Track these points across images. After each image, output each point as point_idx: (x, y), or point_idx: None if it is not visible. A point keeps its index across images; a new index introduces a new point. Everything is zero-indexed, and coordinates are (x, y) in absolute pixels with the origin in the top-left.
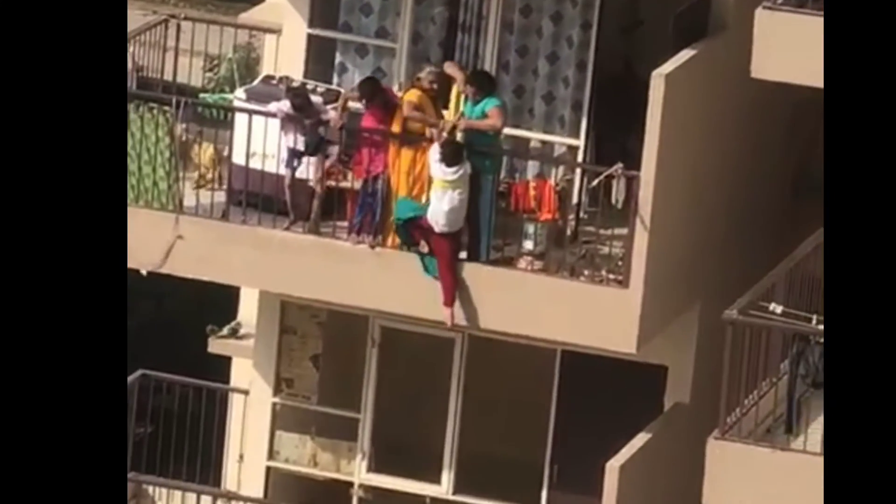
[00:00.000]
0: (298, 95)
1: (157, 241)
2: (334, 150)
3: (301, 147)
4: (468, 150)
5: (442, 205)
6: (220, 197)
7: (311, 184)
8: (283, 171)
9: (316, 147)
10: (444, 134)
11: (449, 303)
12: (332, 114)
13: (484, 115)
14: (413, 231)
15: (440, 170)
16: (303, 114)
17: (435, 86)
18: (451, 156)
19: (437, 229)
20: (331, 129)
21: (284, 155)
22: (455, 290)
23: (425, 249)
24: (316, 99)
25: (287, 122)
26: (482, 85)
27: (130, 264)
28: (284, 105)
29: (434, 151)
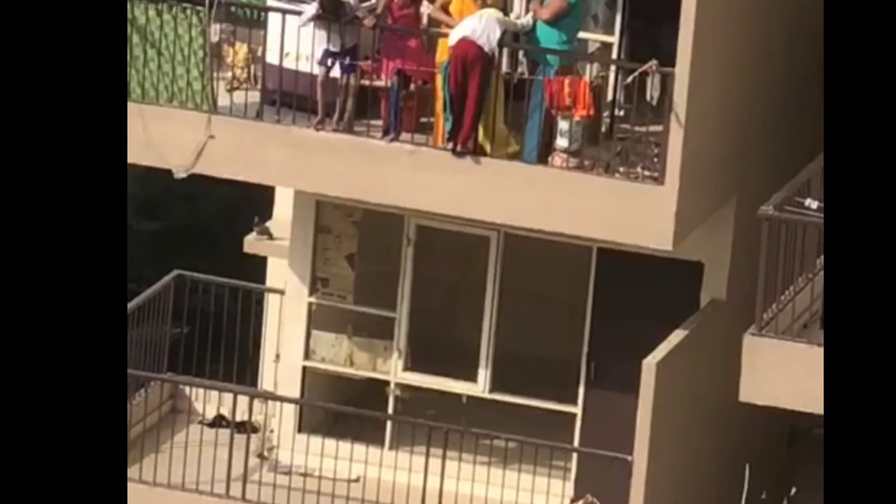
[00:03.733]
0: None
1: (190, 141)
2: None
3: (335, 48)
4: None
5: (480, 18)
6: (254, 98)
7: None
8: (316, 70)
9: (348, 52)
10: None
11: (463, 140)
12: (364, 13)
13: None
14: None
15: None
16: (333, 15)
17: None
18: None
19: (469, 36)
20: (364, 29)
21: (318, 54)
22: (471, 130)
23: None
24: None
25: (320, 21)
26: None
27: (164, 165)
28: (313, 7)
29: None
